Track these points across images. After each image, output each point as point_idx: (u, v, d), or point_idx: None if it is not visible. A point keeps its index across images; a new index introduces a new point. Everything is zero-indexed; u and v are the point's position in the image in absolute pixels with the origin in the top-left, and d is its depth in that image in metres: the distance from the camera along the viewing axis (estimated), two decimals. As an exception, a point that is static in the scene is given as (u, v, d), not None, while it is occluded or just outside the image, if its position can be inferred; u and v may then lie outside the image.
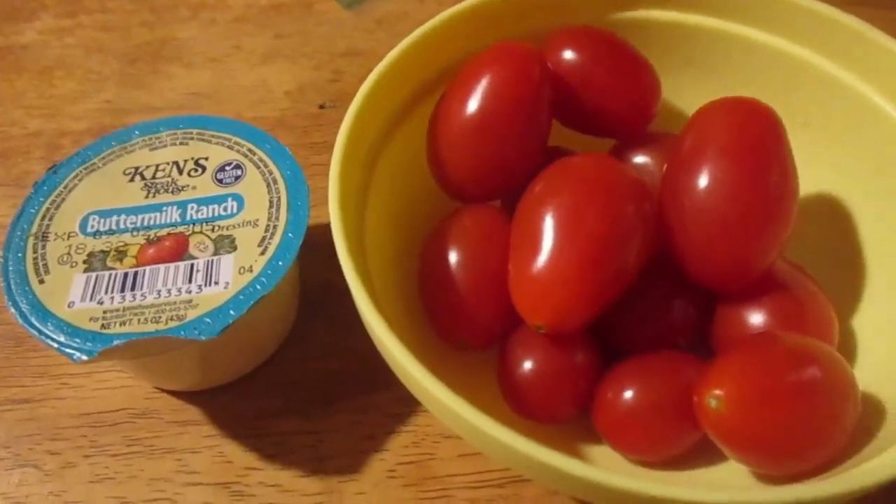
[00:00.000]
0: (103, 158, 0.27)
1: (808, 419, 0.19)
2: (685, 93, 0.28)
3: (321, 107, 0.37)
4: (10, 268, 0.24)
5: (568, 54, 0.26)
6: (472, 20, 0.27)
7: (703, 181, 0.22)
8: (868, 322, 0.24)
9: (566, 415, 0.24)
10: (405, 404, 0.27)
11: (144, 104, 0.37)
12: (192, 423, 0.27)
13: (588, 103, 0.26)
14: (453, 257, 0.24)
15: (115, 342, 0.22)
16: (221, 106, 0.37)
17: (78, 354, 0.22)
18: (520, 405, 0.24)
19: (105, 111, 0.37)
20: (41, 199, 0.26)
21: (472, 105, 0.25)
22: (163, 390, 0.28)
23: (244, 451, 0.26)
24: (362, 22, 0.40)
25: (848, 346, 0.24)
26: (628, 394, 0.22)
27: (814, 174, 0.26)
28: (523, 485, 0.25)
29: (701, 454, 0.23)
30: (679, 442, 0.22)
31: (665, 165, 0.24)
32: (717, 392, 0.19)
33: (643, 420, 0.22)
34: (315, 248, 0.27)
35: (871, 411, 0.21)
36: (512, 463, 0.20)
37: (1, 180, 0.34)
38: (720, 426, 0.19)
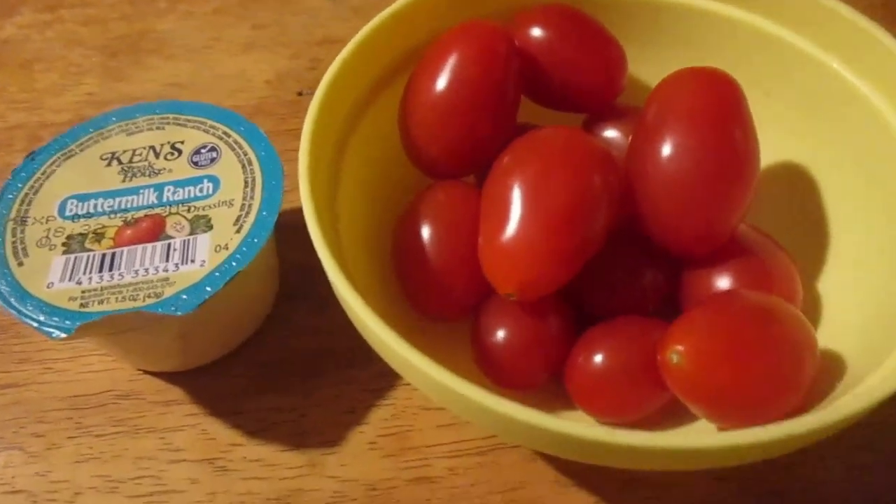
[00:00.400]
0: (80, 144, 0.27)
1: (766, 372, 0.20)
2: (651, 66, 0.28)
3: (299, 94, 0.37)
4: (-10, 252, 0.24)
5: (535, 31, 0.27)
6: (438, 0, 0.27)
7: (666, 149, 0.23)
8: (832, 284, 0.25)
9: (539, 381, 0.24)
10: (384, 379, 0.27)
11: (125, 95, 0.38)
12: (175, 403, 0.27)
13: (556, 79, 0.27)
14: (426, 232, 0.25)
15: (89, 319, 0.22)
16: (201, 96, 0.37)
17: (56, 332, 0.22)
18: (494, 373, 0.24)
19: (86, 103, 0.37)
20: (19, 184, 0.26)
21: (441, 83, 0.25)
22: (146, 372, 0.28)
23: (227, 428, 0.27)
24: (339, 10, 0.41)
25: (813, 308, 0.25)
26: (598, 358, 0.23)
27: (777, 142, 0.26)
28: (501, 452, 0.26)
29: (669, 418, 0.23)
30: (648, 403, 0.23)
31: (630, 136, 0.25)
32: (678, 347, 0.19)
33: (613, 383, 0.23)
34: (293, 230, 0.27)
35: (832, 369, 0.22)
36: (492, 425, 0.20)
37: (-17, 173, 0.35)
38: (682, 380, 0.20)
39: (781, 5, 0.26)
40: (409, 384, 0.27)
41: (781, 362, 0.20)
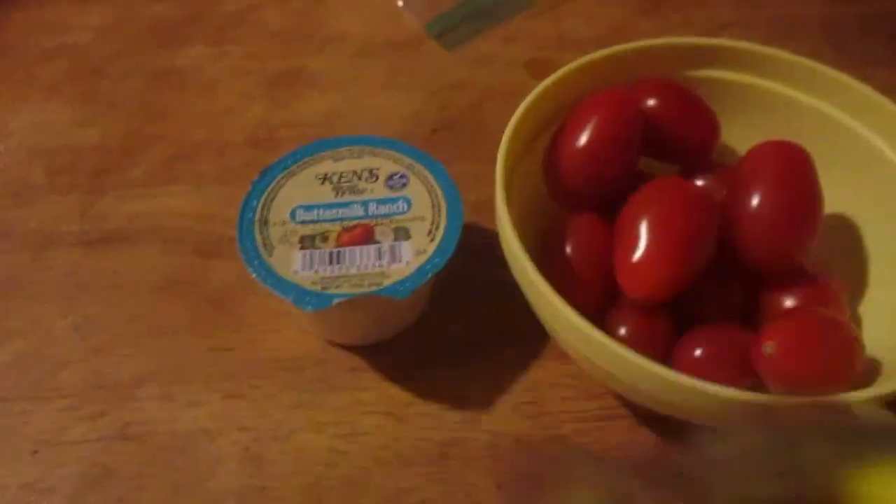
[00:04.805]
0: (299, 166, 0.36)
1: (828, 364, 0.28)
2: (733, 134, 0.37)
3: (434, 131, 0.45)
4: (247, 244, 0.32)
5: (651, 101, 0.35)
6: (584, 71, 0.36)
7: (759, 195, 0.31)
8: (869, 306, 0.33)
9: (651, 366, 0.32)
10: (522, 360, 0.35)
11: (289, 121, 0.46)
12: (359, 370, 0.35)
13: (665, 138, 0.35)
14: (569, 249, 0.33)
15: (340, 298, 0.30)
16: (351, 126, 0.46)
17: (310, 306, 0.30)
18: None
19: (258, 125, 0.46)
20: (258, 194, 0.34)
21: (584, 138, 0.34)
22: (333, 344, 0.36)
23: (402, 390, 0.35)
24: (461, 60, 0.49)
25: (854, 321, 0.33)
26: (698, 351, 0.31)
27: (832, 199, 0.35)
28: (614, 420, 0.34)
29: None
30: (735, 385, 0.31)
31: (725, 186, 0.33)
32: (771, 342, 0.28)
33: (709, 369, 0.31)
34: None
35: (870, 369, 0.30)
36: (632, 377, 0.28)
37: (181, 179, 0.43)
38: (773, 366, 0.28)
39: (841, 95, 0.35)
40: (541, 365, 0.35)
41: (839, 358, 0.28)
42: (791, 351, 0.28)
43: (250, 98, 0.47)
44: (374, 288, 0.31)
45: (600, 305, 0.33)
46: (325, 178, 0.35)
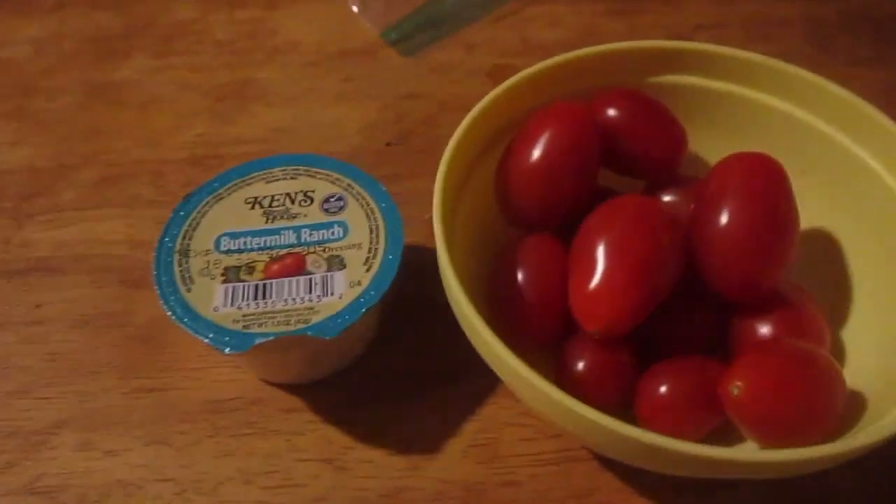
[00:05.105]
0: (227, 189, 0.33)
1: (805, 405, 0.25)
2: (704, 143, 0.34)
3: (388, 144, 0.42)
4: (163, 279, 0.29)
5: (612, 111, 0.32)
6: (536, 81, 0.33)
7: (724, 216, 0.28)
8: (853, 333, 0.30)
9: (612, 404, 0.29)
10: (473, 398, 0.32)
11: (233, 137, 0.43)
12: (295, 411, 0.32)
13: (627, 151, 0.32)
14: (521, 275, 0.30)
15: (262, 339, 0.27)
16: (300, 141, 0.43)
17: (229, 348, 0.27)
18: (574, 395, 0.29)
19: (199, 143, 0.43)
20: (180, 222, 0.31)
21: (536, 153, 0.30)
22: (269, 383, 0.33)
23: (342, 433, 0.31)
24: (419, 68, 0.46)
25: (837, 352, 0.30)
26: (664, 388, 0.28)
27: (810, 212, 0.32)
28: (574, 463, 0.31)
29: (715, 439, 0.28)
30: (703, 426, 0.28)
31: (693, 204, 0.30)
32: (738, 383, 0.24)
33: (675, 408, 0.28)
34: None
35: (856, 404, 0.27)
36: (585, 431, 0.25)
37: (114, 202, 0.40)
38: (740, 409, 0.25)
39: (817, 101, 0.32)
40: (494, 403, 0.32)
41: (817, 397, 0.25)
42: (761, 392, 0.25)
43: (193, 113, 0.44)
44: (300, 326, 0.28)
45: (558, 335, 0.30)
46: (255, 202, 0.32)
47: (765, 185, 0.29)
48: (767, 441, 0.26)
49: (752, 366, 0.25)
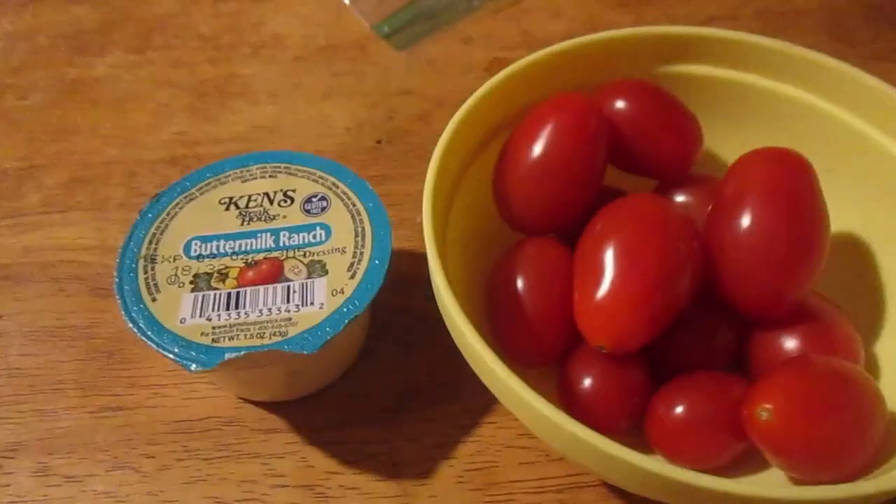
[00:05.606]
0: (200, 189, 0.30)
1: (843, 430, 0.22)
2: (719, 139, 0.31)
3: (378, 142, 0.40)
4: (126, 287, 0.27)
5: (619, 103, 0.29)
6: (533, 72, 0.30)
7: (745, 221, 0.25)
8: (889, 347, 0.27)
9: (621, 426, 0.26)
10: (468, 417, 0.29)
11: (213, 136, 0.40)
12: (274, 432, 0.29)
13: (637, 148, 0.30)
14: (520, 283, 0.27)
15: (232, 354, 0.24)
16: (286, 139, 0.40)
17: (195, 365, 0.24)
18: (580, 416, 0.26)
19: (177, 142, 0.40)
20: (147, 224, 0.29)
21: (538, 150, 0.28)
22: (246, 401, 0.30)
23: (325, 457, 0.29)
24: (413, 63, 0.44)
25: (872, 370, 0.27)
26: (680, 409, 0.25)
27: (836, 214, 0.29)
28: (580, 490, 0.28)
29: (736, 466, 0.26)
30: (724, 453, 0.25)
31: (709, 206, 0.27)
32: (767, 406, 0.22)
33: (693, 432, 0.25)
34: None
35: (893, 428, 0.24)
36: (590, 460, 0.22)
37: (83, 205, 0.37)
38: (769, 435, 0.22)
39: (846, 92, 0.29)
40: (492, 422, 0.29)
41: (856, 422, 0.22)
42: (793, 416, 0.22)
43: (171, 111, 0.41)
44: (276, 339, 0.25)
45: (561, 349, 0.27)
46: (230, 203, 0.29)
47: (791, 184, 0.26)
48: (799, 471, 0.23)
49: (782, 386, 0.22)
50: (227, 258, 0.28)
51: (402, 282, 0.31)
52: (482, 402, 0.30)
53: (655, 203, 0.26)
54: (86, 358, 0.32)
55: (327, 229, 0.28)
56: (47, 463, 0.29)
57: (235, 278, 0.27)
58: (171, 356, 0.25)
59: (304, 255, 0.28)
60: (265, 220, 0.29)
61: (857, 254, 0.29)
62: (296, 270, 0.27)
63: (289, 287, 0.27)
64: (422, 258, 0.33)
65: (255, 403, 0.30)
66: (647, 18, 0.45)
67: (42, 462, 0.29)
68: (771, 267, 0.25)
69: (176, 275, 0.27)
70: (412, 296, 0.32)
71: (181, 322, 0.26)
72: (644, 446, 0.26)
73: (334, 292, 0.26)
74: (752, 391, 0.23)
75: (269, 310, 0.26)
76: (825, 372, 0.23)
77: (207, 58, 0.44)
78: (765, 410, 0.22)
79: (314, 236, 0.28)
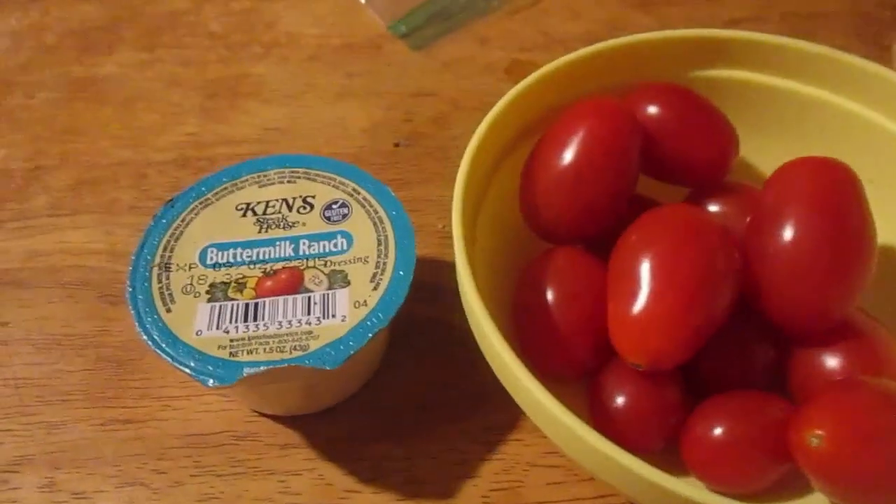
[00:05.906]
0: (216, 193, 0.29)
1: (898, 457, 0.21)
2: (754, 146, 0.30)
3: (396, 145, 0.38)
4: (139, 297, 0.25)
5: (651, 108, 0.28)
6: (563, 75, 0.29)
7: (787, 232, 0.24)
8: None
9: (656, 446, 0.25)
10: (492, 433, 0.28)
11: (225, 137, 0.39)
12: (291, 447, 0.28)
13: (669, 155, 0.28)
14: (550, 294, 0.26)
15: (251, 370, 0.23)
16: (299, 141, 0.39)
17: (212, 381, 0.23)
18: (613, 435, 0.25)
19: (188, 143, 0.39)
20: (161, 230, 0.27)
21: (568, 156, 0.27)
22: (261, 414, 0.29)
23: (343, 474, 0.27)
24: (430, 63, 0.42)
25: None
26: (718, 430, 0.24)
27: (877, 227, 0.28)
28: (610, 512, 0.27)
29: (772, 489, 0.24)
30: (764, 476, 0.24)
31: (746, 216, 0.26)
32: (819, 432, 0.20)
33: (732, 454, 0.24)
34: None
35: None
36: (622, 482, 0.21)
37: (92, 207, 0.36)
38: (820, 463, 0.21)
39: (887, 98, 0.28)
40: (518, 439, 0.28)
41: (910, 448, 0.21)
42: (846, 442, 0.20)
43: (182, 111, 0.40)
44: (297, 354, 0.24)
45: (591, 362, 0.26)
46: (247, 209, 0.28)
47: (837, 195, 0.25)
48: (848, 499, 0.22)
49: (834, 411, 0.21)
50: (245, 267, 0.27)
51: (423, 290, 0.30)
52: (507, 417, 0.28)
53: (694, 214, 0.25)
54: (94, 367, 0.31)
55: (349, 237, 0.27)
56: (54, 478, 0.28)
57: (253, 288, 0.26)
58: (187, 370, 0.24)
59: (325, 265, 0.26)
60: (284, 228, 0.28)
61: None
62: (316, 281, 0.26)
63: (309, 298, 0.26)
64: (444, 266, 0.32)
65: (271, 418, 0.29)
66: (668, 19, 0.44)
67: (49, 477, 0.28)
68: (815, 282, 0.24)
69: (191, 284, 0.26)
70: (433, 305, 0.31)
71: (197, 334, 0.25)
72: (679, 468, 0.25)
73: (357, 304, 0.25)
74: (801, 415, 0.22)
75: (290, 322, 0.25)
76: (878, 395, 0.22)
77: (219, 57, 0.43)
78: (815, 437, 0.20)
79: (335, 245, 0.27)
